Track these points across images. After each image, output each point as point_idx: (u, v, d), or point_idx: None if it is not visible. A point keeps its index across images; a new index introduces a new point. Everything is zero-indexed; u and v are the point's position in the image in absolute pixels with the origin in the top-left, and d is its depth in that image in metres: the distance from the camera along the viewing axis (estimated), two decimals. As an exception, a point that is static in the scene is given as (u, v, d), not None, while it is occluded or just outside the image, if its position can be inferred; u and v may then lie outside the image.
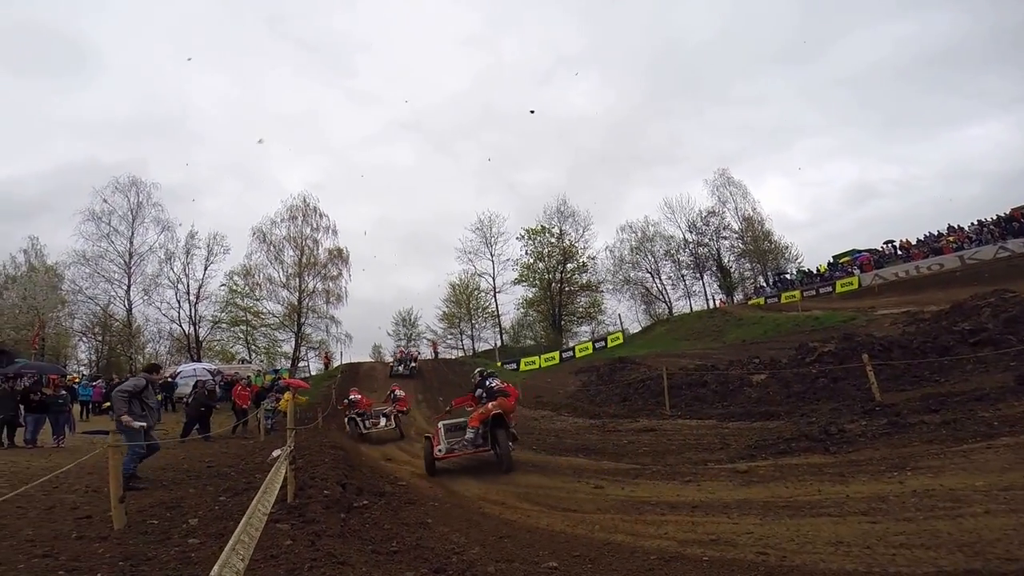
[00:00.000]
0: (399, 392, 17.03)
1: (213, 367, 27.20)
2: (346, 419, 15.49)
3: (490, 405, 8.50)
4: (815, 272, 40.65)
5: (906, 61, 67.85)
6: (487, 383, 9.06)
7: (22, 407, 12.18)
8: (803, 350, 15.27)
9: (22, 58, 67.72)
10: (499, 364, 34.33)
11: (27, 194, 58.04)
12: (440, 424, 9.52)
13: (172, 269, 39.92)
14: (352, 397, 15.98)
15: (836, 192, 73.83)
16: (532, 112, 76.69)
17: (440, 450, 8.80)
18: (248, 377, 23.26)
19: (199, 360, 35.48)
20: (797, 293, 35.55)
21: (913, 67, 67.65)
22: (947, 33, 63.40)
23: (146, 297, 39.25)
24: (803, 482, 5.70)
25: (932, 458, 5.78)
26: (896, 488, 5.02)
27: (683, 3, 79.05)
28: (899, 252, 35.35)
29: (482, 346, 47.18)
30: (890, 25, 69.59)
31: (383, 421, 14.73)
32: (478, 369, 10.03)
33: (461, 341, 48.27)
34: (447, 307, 48.42)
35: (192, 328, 39.85)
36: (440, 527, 5.30)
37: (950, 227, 34.35)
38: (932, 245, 32.98)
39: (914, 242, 34.98)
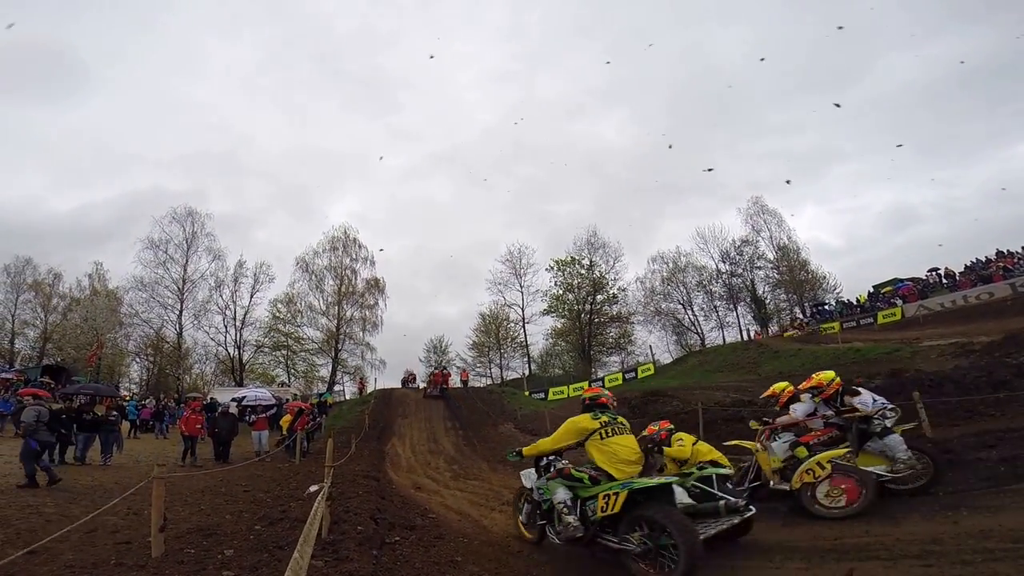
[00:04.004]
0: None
1: (268, 392, 27.50)
2: None
3: None
4: (855, 303, 39.52)
5: (944, 81, 66.44)
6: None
7: (75, 425, 12.54)
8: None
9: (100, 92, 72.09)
10: (527, 393, 34.12)
11: (97, 221, 62.48)
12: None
13: (221, 296, 42.08)
14: None
15: (873, 218, 71.96)
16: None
17: None
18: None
19: (241, 383, 36.74)
20: (836, 324, 34.56)
21: (952, 86, 66.13)
22: (987, 50, 61.96)
23: (196, 322, 41.30)
24: (850, 523, 5.47)
25: (990, 497, 5.51)
26: (951, 529, 4.79)
27: (713, 33, 79.36)
28: (944, 281, 34.18)
29: (510, 375, 47.18)
30: (927, 45, 68.52)
31: None
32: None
33: (490, 370, 48.47)
34: (477, 336, 48.90)
35: (237, 352, 41.61)
36: (470, 566, 5.22)
37: (999, 252, 33.13)
38: (980, 272, 31.75)
39: (960, 269, 33.80)
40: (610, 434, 5.28)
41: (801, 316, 43.12)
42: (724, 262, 47.80)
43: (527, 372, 46.12)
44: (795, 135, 72.54)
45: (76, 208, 66.40)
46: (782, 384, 7.69)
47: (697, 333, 47.66)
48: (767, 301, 47.28)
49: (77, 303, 41.18)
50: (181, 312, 40.67)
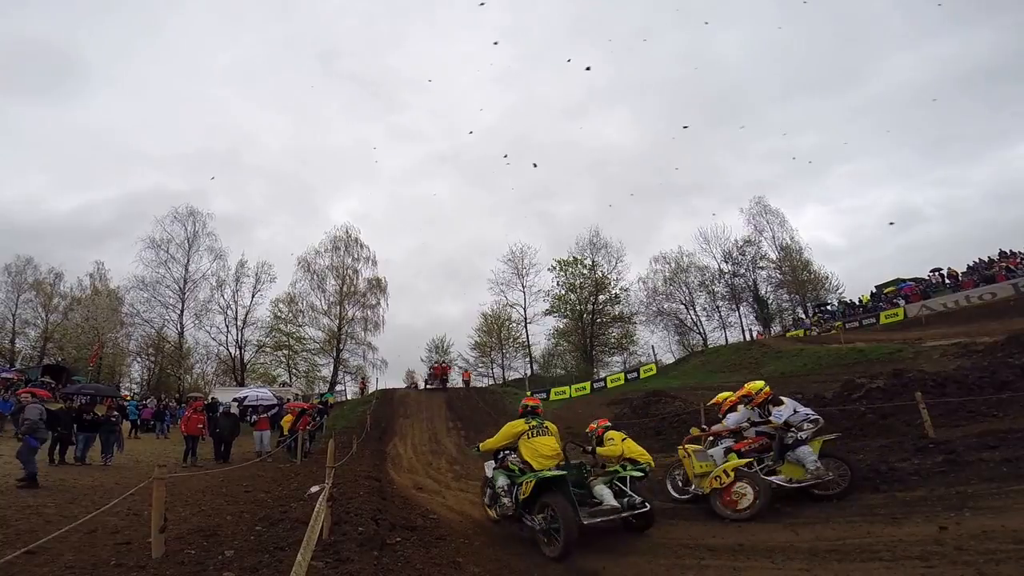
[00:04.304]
0: None
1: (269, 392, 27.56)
2: None
3: None
4: (858, 303, 39.40)
5: (947, 80, 66.33)
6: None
7: (75, 425, 12.57)
8: (849, 386, 14.72)
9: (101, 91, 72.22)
10: (529, 393, 34.08)
11: (99, 221, 63.24)
12: None
13: (223, 295, 42.09)
14: None
15: (876, 218, 71.84)
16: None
17: None
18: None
19: (243, 383, 36.79)
20: (839, 324, 34.44)
21: (955, 86, 66.08)
22: (990, 50, 61.90)
23: (197, 321, 41.29)
24: (852, 523, 5.47)
25: (992, 498, 5.50)
26: (954, 530, 4.78)
27: (716, 33, 79.29)
28: (947, 281, 34.07)
29: (512, 375, 47.14)
30: (930, 46, 68.45)
31: None
32: None
33: (491, 370, 48.45)
34: (479, 336, 48.86)
35: (238, 351, 41.60)
36: (472, 567, 5.23)
37: (1002, 252, 33.00)
38: (983, 272, 31.60)
39: (963, 270, 33.68)
40: (535, 435, 6.41)
41: (820, 313, 42.96)
42: (727, 262, 47.79)
43: (529, 372, 46.08)
44: (798, 135, 72.56)
45: (78, 207, 66.91)
46: (725, 394, 8.14)
47: (699, 333, 47.63)
48: (769, 301, 47.21)
49: (78, 303, 41.37)
50: (182, 312, 40.79)
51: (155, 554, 5.04)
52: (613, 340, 47.81)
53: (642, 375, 37.53)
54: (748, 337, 43.89)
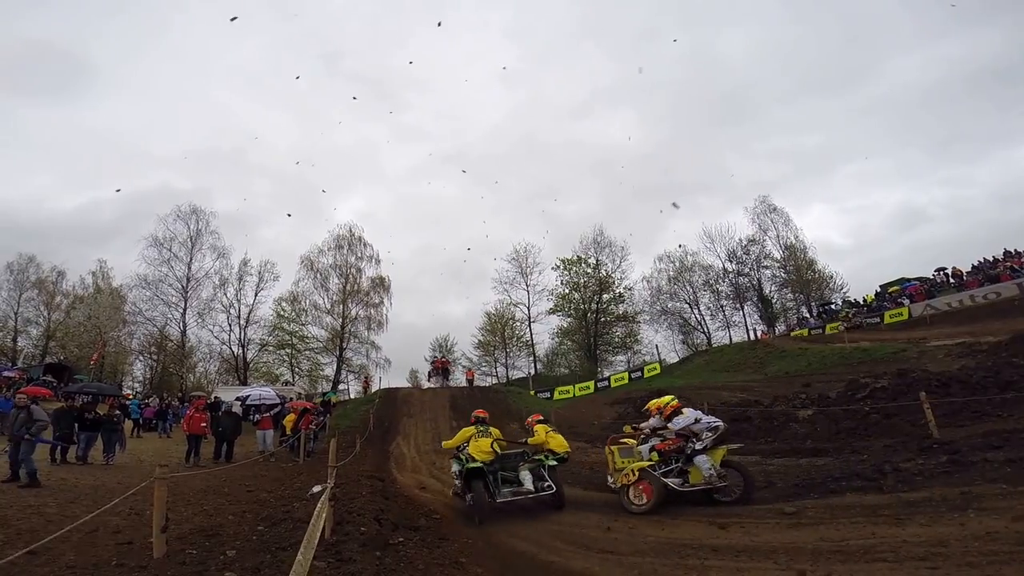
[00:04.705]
0: None
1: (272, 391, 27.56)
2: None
3: None
4: (862, 302, 39.22)
5: (954, 81, 66.00)
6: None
7: (76, 425, 12.52)
8: (853, 385, 14.69)
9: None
10: (533, 393, 34.08)
11: (103, 219, 62.43)
12: None
13: (225, 294, 41.77)
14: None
15: (882, 217, 71.73)
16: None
17: None
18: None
19: (245, 382, 36.74)
20: (841, 324, 34.35)
21: (961, 86, 65.72)
22: (997, 50, 61.55)
23: (200, 320, 41.06)
24: (855, 524, 5.43)
25: (997, 498, 5.46)
26: (957, 531, 4.75)
27: (721, 32, 79.14)
28: (951, 281, 33.92)
29: (516, 374, 46.88)
30: (936, 46, 68.11)
31: None
32: None
33: (495, 369, 48.25)
34: (482, 335, 48.64)
35: (241, 350, 41.39)
36: (474, 567, 5.23)
37: (1006, 252, 32.87)
38: (988, 272, 31.47)
39: (967, 269, 33.53)
40: (480, 437, 8.46)
41: (848, 310, 42.73)
42: (731, 261, 47.60)
43: (533, 371, 45.86)
44: (803, 134, 72.32)
45: (81, 205, 66.22)
46: (656, 401, 8.85)
47: (703, 332, 47.51)
48: (774, 300, 47.05)
49: (81, 301, 41.23)
50: (185, 310, 40.62)
51: (156, 554, 5.04)
52: (617, 339, 47.72)
53: (646, 374, 37.52)
54: (752, 336, 43.74)
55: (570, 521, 7.21)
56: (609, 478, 8.31)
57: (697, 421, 7.67)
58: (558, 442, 9.26)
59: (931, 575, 3.91)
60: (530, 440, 9.36)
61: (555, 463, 8.47)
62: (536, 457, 8.52)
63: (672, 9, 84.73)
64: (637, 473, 7.56)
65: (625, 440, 8.56)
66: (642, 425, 8.66)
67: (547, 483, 8.00)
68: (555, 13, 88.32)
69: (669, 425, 7.88)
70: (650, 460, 7.69)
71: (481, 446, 8.32)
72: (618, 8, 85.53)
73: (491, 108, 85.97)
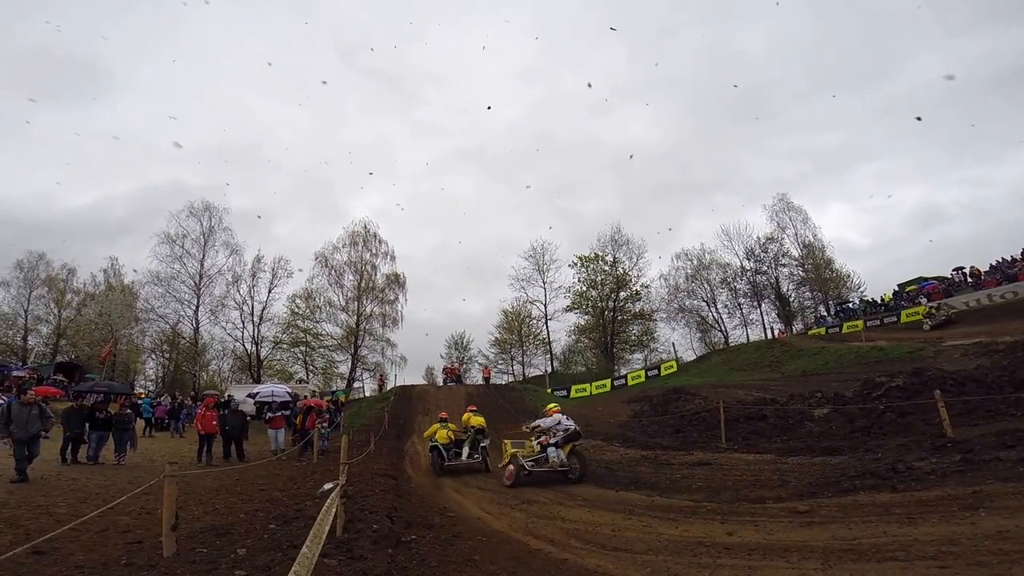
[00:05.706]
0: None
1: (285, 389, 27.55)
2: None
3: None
4: (879, 301, 38.69)
5: (975, 79, 64.68)
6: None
7: (87, 424, 12.51)
8: (869, 384, 14.55)
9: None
10: (549, 391, 34.09)
11: (114, 216, 62.94)
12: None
13: (238, 291, 41.48)
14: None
15: (900, 216, 70.62)
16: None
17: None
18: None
19: (259, 380, 36.67)
20: (860, 323, 33.88)
21: (983, 85, 64.41)
22: (1020, 49, 60.18)
23: (213, 317, 40.80)
24: (868, 523, 5.44)
25: (1008, 497, 5.42)
26: (968, 530, 4.74)
27: (740, 30, 78.33)
28: (969, 280, 33.31)
29: (532, 372, 46.92)
30: (958, 45, 66.80)
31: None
32: None
33: (512, 367, 48.23)
34: (499, 333, 48.66)
35: (254, 348, 41.10)
36: (488, 565, 5.22)
37: (1025, 251, 32.12)
38: (1005, 272, 30.78)
39: (985, 269, 32.91)
40: (441, 428, 13.11)
41: (826, 313, 42.28)
42: (749, 259, 47.29)
43: (549, 369, 45.84)
44: (822, 132, 71.34)
45: (93, 202, 66.49)
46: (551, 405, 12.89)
47: (721, 331, 47.24)
48: (791, 299, 46.63)
49: (91, 298, 40.72)
50: (198, 307, 40.16)
51: (166, 553, 4.99)
52: (634, 337, 47.59)
53: (663, 372, 37.38)
54: (769, 335, 43.44)
55: (584, 519, 7.22)
56: (500, 464, 11.51)
57: (558, 424, 10.65)
58: (479, 421, 13.48)
59: (941, 574, 3.90)
60: (463, 421, 13.91)
61: (481, 437, 13.06)
62: (468, 434, 13.00)
63: (691, 7, 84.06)
64: (508, 458, 10.89)
65: (522, 435, 11.66)
66: (532, 424, 11.39)
67: (477, 455, 12.79)
68: (574, 10, 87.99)
69: (536, 423, 11.09)
70: (533, 451, 10.66)
71: (440, 435, 12.94)
72: (636, 6, 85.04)
73: (510, 105, 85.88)
